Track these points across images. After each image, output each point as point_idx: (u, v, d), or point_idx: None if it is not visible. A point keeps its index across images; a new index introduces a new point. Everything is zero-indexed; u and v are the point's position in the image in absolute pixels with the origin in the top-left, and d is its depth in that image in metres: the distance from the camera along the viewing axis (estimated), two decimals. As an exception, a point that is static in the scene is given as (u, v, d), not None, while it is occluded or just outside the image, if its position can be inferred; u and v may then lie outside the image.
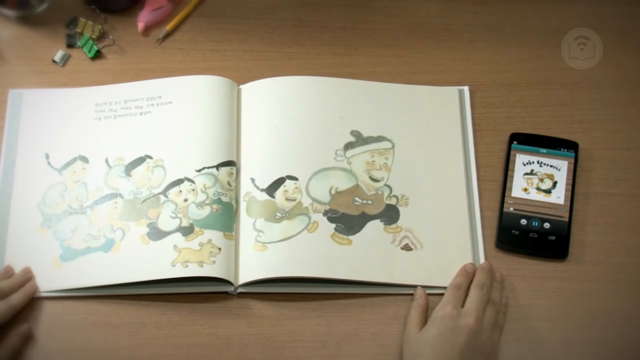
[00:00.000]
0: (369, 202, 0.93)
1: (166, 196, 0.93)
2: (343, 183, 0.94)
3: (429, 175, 0.95)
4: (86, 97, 1.00)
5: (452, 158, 0.97)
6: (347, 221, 0.92)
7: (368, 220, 0.92)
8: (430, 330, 0.84)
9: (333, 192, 0.93)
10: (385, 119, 0.98)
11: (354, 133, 0.96)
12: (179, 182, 0.93)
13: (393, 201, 0.93)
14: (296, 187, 0.93)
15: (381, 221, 0.92)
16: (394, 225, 0.92)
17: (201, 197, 0.92)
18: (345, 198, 0.93)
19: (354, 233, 0.91)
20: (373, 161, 0.95)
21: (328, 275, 0.88)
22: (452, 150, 0.97)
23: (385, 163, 0.95)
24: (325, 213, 0.92)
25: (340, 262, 0.89)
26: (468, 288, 0.88)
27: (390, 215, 0.92)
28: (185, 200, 0.92)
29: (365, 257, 0.90)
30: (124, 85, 1.01)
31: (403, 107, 1.00)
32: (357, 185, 0.94)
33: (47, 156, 0.96)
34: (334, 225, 0.91)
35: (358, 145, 0.96)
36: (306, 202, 0.93)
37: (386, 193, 0.93)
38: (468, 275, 0.89)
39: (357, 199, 0.93)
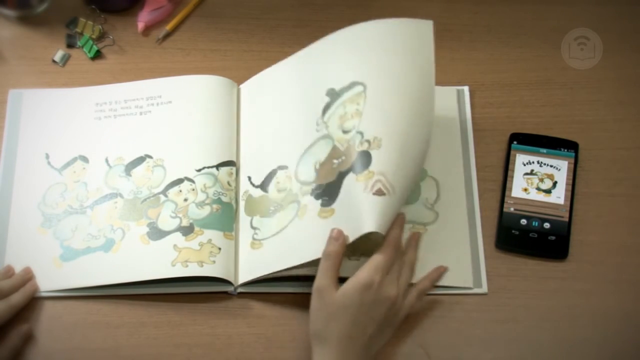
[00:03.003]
0: (342, 158, 0.86)
1: (166, 196, 0.93)
2: (323, 152, 0.89)
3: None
4: (86, 97, 1.00)
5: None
6: (329, 191, 0.86)
7: (343, 179, 0.85)
8: (353, 297, 0.79)
9: (317, 166, 0.89)
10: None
11: (329, 92, 0.92)
12: (179, 181, 0.93)
13: (365, 146, 0.85)
14: (287, 176, 0.92)
15: (353, 172, 0.84)
16: (365, 172, 0.83)
17: (201, 196, 0.92)
18: (326, 167, 0.88)
19: (334, 201, 0.85)
20: (345, 112, 0.88)
21: (316, 257, 0.83)
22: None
23: (357, 109, 0.88)
24: (312, 192, 0.88)
25: (326, 239, 0.83)
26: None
27: (362, 162, 0.84)
28: (185, 200, 0.92)
29: (347, 223, 0.83)
30: (124, 85, 1.01)
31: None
32: (334, 147, 0.88)
33: (47, 156, 0.96)
34: (319, 201, 0.86)
35: (333, 102, 0.91)
36: (295, 188, 0.90)
37: (357, 140, 0.85)
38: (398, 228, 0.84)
39: (334, 161, 0.87)
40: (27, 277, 0.89)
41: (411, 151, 0.84)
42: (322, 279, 0.81)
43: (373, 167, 0.83)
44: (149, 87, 1.00)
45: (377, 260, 0.81)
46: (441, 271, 0.88)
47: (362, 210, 0.81)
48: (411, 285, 0.85)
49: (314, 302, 0.81)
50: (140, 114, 0.98)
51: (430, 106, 0.87)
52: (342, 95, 0.89)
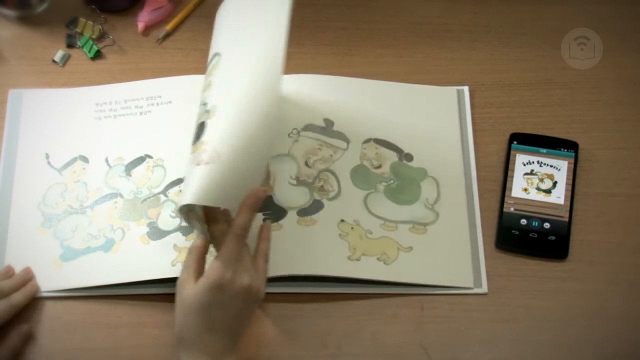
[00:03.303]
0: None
1: (166, 196, 0.93)
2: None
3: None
4: (86, 97, 1.00)
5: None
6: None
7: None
8: (206, 295, 0.77)
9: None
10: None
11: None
12: (179, 181, 0.93)
13: (204, 117, 0.81)
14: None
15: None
16: (197, 143, 0.80)
17: None
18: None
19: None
20: (205, 84, 0.85)
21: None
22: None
23: (210, 81, 0.84)
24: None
25: None
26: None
27: (196, 133, 0.81)
28: None
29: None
30: (124, 84, 1.01)
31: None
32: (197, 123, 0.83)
33: (47, 156, 0.96)
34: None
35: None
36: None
37: (202, 111, 0.83)
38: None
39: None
40: (28, 277, 0.88)
41: (247, 118, 0.77)
42: (182, 274, 0.79)
43: (204, 136, 0.78)
44: (149, 87, 1.00)
45: (224, 254, 0.77)
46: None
47: (189, 184, 0.77)
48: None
49: (176, 296, 0.79)
50: (140, 114, 0.98)
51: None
52: (208, 66, 0.87)
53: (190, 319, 0.78)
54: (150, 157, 0.95)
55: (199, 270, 0.79)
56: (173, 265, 0.88)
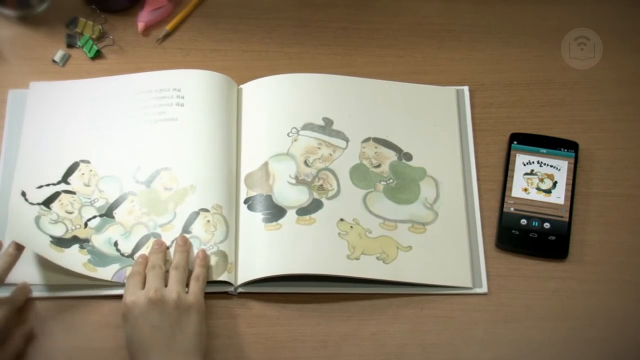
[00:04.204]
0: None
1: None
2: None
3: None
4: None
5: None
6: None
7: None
8: (126, 327, 0.83)
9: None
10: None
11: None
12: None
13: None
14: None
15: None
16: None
17: None
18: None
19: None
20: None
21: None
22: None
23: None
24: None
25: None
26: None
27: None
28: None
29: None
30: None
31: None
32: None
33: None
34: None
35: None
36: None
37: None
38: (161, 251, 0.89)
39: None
40: (9, 250, 0.87)
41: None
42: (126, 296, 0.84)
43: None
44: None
45: (128, 282, 0.86)
46: (205, 254, 0.88)
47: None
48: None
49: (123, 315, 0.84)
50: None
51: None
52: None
53: (130, 354, 0.83)
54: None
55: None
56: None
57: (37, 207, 0.92)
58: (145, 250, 0.90)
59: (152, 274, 0.85)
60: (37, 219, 0.91)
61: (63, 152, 0.95)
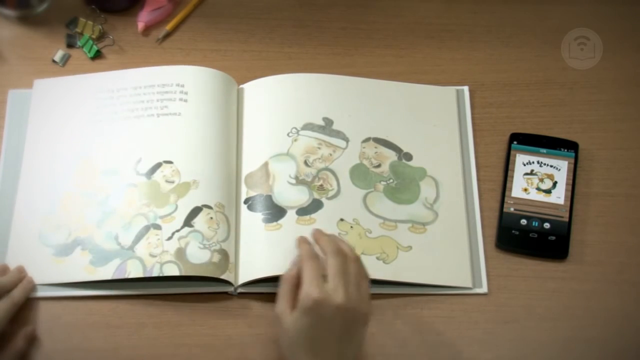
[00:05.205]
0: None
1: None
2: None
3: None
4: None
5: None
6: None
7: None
8: (302, 320, 0.77)
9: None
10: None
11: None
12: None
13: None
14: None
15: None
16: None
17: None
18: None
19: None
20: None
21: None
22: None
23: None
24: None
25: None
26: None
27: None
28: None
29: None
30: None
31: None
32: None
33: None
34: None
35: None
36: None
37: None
38: (308, 242, 0.86)
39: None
40: (22, 274, 0.88)
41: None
42: (278, 305, 0.81)
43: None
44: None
45: (307, 276, 0.79)
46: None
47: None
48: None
49: (276, 329, 0.81)
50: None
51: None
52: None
53: (295, 348, 0.78)
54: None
55: (294, 299, 0.79)
56: None
57: (40, 217, 0.92)
58: (145, 242, 0.89)
59: (340, 276, 0.79)
60: (40, 232, 0.91)
61: (67, 149, 0.95)
